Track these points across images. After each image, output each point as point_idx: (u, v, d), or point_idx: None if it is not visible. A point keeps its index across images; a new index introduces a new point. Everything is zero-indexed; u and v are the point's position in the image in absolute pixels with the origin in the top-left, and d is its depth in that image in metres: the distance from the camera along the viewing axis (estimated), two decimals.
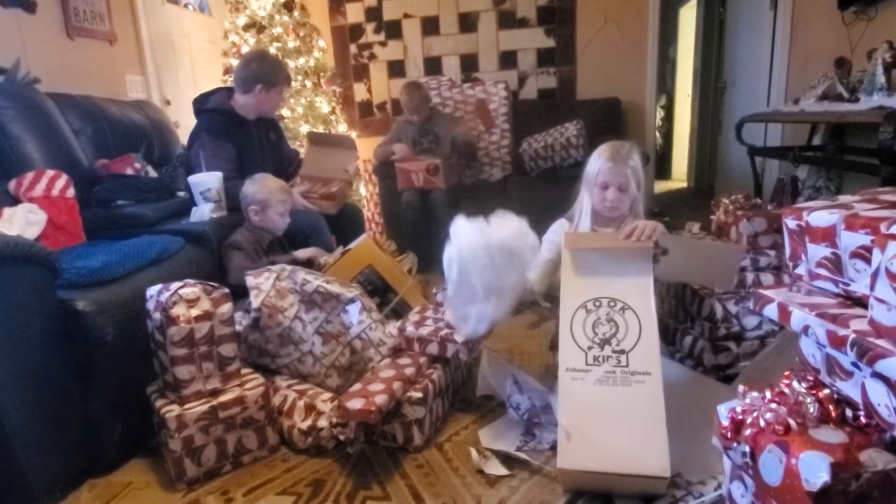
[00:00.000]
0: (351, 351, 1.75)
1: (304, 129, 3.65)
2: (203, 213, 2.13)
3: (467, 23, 4.11)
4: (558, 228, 1.80)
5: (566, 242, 1.52)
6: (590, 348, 1.35)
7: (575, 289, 1.44)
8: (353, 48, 4.27)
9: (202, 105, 2.46)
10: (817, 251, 1.03)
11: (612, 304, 1.39)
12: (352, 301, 1.73)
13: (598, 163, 1.71)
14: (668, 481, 1.21)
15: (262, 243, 2.11)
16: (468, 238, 1.56)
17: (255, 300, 1.73)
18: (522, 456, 1.46)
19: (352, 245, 2.17)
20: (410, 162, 3.25)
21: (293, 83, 3.40)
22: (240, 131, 2.45)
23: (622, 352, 1.33)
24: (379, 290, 2.13)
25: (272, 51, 3.54)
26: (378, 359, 1.73)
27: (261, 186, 2.13)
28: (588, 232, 1.70)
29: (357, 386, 1.54)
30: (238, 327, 1.71)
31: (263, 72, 2.41)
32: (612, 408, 1.27)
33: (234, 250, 2.04)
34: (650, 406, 1.25)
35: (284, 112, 3.52)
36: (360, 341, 1.74)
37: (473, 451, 1.50)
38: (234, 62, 3.58)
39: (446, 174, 3.23)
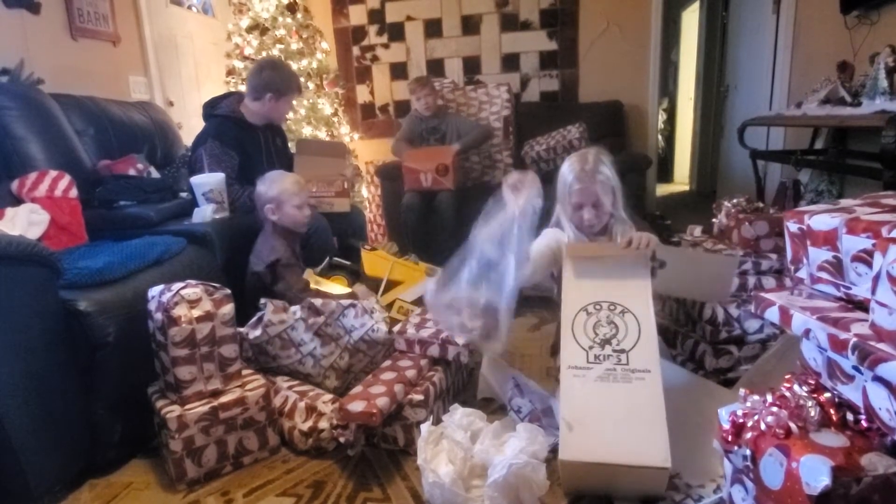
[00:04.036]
0: (350, 354, 1.76)
1: (307, 130, 3.66)
2: (205, 214, 2.13)
3: (470, 25, 4.11)
4: (552, 235, 1.75)
5: (569, 251, 1.54)
6: (591, 347, 1.38)
7: (576, 292, 1.48)
8: (355, 50, 4.28)
9: (212, 110, 2.47)
10: (819, 255, 1.03)
11: (612, 307, 1.43)
12: (352, 306, 1.75)
13: (567, 181, 1.67)
14: (668, 473, 1.22)
15: (294, 247, 2.13)
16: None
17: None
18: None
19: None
20: (419, 162, 3.22)
21: None
22: (248, 138, 2.47)
23: (622, 351, 1.36)
24: None
25: (275, 53, 3.56)
26: (386, 350, 1.78)
27: (271, 183, 2.13)
28: (588, 242, 1.70)
29: (358, 388, 1.54)
30: (243, 330, 1.74)
31: (274, 80, 2.42)
32: (612, 403, 1.29)
33: (285, 268, 2.04)
34: (650, 402, 1.28)
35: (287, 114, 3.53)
36: (364, 343, 1.76)
37: None
38: (238, 64, 3.60)
39: (455, 175, 3.22)
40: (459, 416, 1.43)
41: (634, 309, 1.41)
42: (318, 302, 1.74)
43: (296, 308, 1.74)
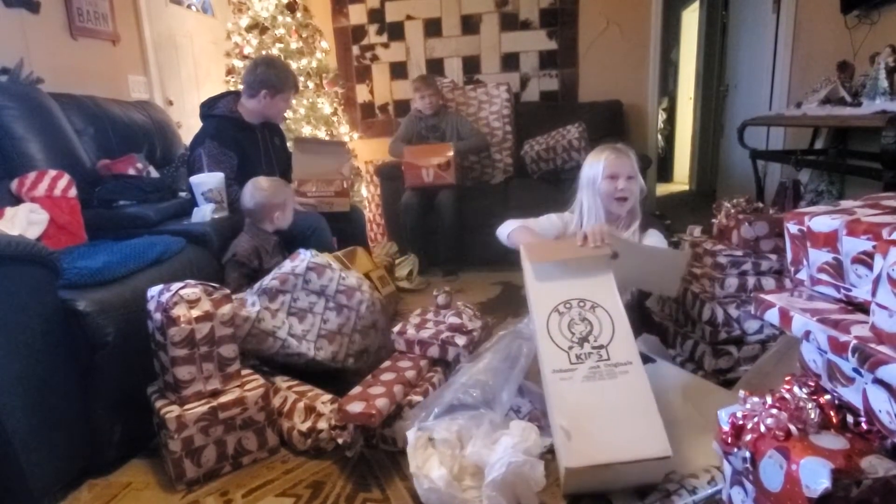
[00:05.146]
0: (336, 311, 1.77)
1: (307, 130, 3.66)
2: (204, 213, 2.13)
3: (470, 25, 4.11)
4: (553, 222, 1.86)
5: (528, 255, 1.55)
6: (570, 348, 1.37)
7: (543, 294, 1.48)
8: (355, 49, 4.28)
9: (210, 110, 2.46)
10: (819, 256, 1.03)
11: (581, 304, 1.44)
12: (309, 270, 1.75)
13: (600, 159, 1.76)
14: (670, 462, 1.22)
15: (267, 247, 2.09)
16: None
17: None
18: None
19: None
20: (420, 157, 3.22)
21: None
22: (246, 137, 2.46)
23: (601, 346, 1.37)
24: None
25: (275, 52, 3.55)
26: (368, 296, 1.82)
27: (277, 190, 2.14)
28: (545, 240, 1.76)
29: (357, 389, 1.54)
30: None
31: (269, 77, 2.41)
32: (603, 401, 1.29)
33: (231, 266, 2.02)
34: (639, 393, 1.28)
35: (286, 113, 3.52)
36: (343, 295, 1.77)
37: None
38: (237, 63, 3.60)
39: (457, 169, 3.22)
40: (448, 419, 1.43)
41: (604, 303, 1.43)
42: (274, 283, 1.72)
43: (253, 299, 1.72)
